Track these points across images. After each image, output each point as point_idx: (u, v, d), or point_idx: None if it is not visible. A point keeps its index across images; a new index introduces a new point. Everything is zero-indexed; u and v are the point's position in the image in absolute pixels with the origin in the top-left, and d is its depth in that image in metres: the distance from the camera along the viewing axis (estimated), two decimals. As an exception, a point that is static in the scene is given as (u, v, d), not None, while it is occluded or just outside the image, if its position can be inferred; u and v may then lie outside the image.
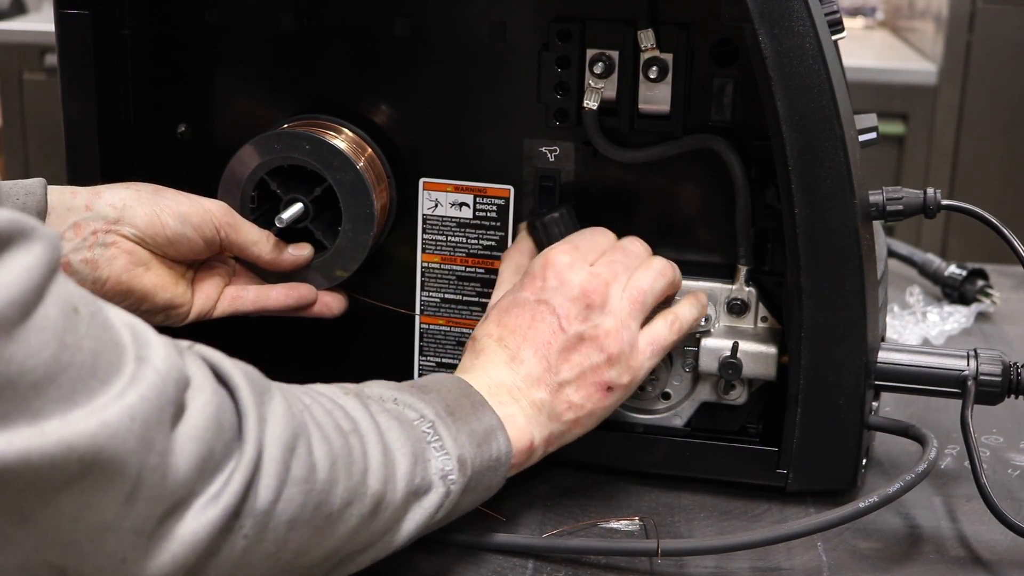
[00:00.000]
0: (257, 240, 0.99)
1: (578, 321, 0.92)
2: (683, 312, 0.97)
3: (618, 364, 0.93)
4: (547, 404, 0.91)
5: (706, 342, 1.01)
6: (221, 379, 0.69)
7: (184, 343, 0.69)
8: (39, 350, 0.56)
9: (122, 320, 0.63)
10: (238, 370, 0.70)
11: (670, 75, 0.99)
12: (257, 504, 0.67)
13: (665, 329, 0.96)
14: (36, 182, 0.92)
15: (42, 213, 0.91)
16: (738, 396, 1.03)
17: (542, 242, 1.01)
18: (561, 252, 0.95)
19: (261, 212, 1.02)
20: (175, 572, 0.64)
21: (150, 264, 0.95)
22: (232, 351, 0.72)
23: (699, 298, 0.99)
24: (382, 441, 0.77)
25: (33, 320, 0.56)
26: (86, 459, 0.58)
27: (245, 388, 0.69)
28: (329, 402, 0.77)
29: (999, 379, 0.98)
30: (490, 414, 0.86)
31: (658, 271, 0.96)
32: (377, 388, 0.84)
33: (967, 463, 0.98)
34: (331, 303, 1.04)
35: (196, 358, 0.68)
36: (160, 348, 0.64)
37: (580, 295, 0.93)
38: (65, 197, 0.94)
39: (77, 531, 0.60)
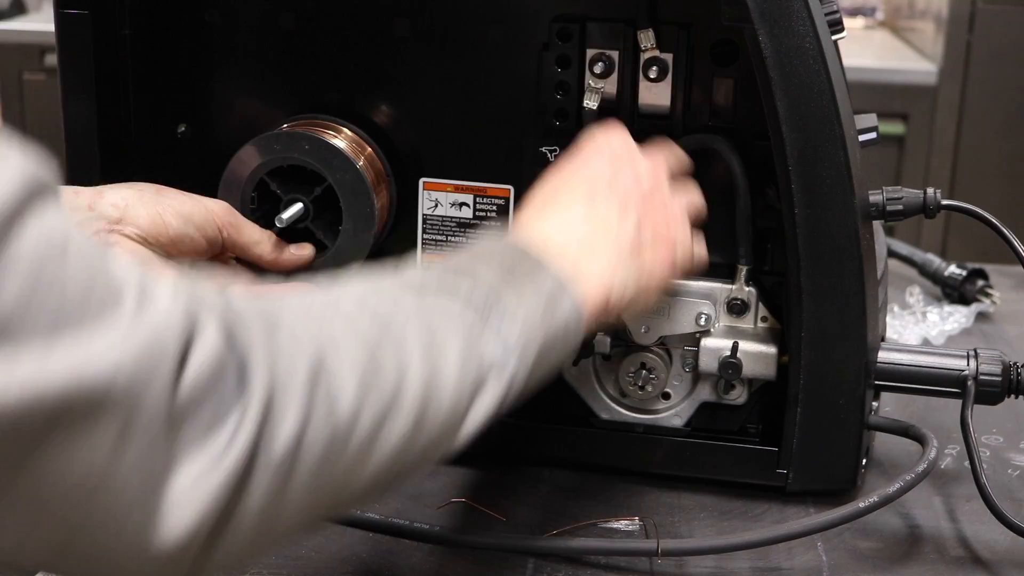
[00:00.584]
0: (259, 240, 0.99)
1: (653, 186, 0.88)
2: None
3: (683, 239, 0.88)
4: (625, 261, 0.82)
5: (706, 342, 1.01)
6: (231, 325, 0.61)
7: (206, 290, 0.62)
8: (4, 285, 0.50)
9: (125, 265, 0.57)
10: (249, 309, 0.62)
11: (670, 75, 0.99)
12: (272, 455, 0.59)
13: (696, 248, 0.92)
14: None
15: None
16: (738, 396, 1.03)
17: None
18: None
19: (261, 213, 1.02)
20: (190, 539, 0.57)
21: (152, 264, 0.95)
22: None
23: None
24: (421, 341, 0.67)
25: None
26: (67, 399, 0.52)
27: (255, 327, 0.61)
28: (354, 305, 0.68)
29: (999, 379, 0.98)
30: (547, 273, 0.76)
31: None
32: (416, 273, 0.76)
33: (967, 463, 0.98)
34: None
35: (212, 304, 0.61)
36: (166, 294, 0.57)
37: (654, 168, 0.89)
38: (68, 196, 0.93)
39: (68, 492, 0.54)
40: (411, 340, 0.67)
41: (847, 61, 0.98)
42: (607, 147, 0.90)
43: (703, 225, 1.02)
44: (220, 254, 1.00)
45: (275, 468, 0.60)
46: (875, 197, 1.00)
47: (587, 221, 0.83)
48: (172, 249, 0.96)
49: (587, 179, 0.86)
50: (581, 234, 0.82)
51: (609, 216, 0.83)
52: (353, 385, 0.63)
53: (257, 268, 1.03)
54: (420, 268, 0.75)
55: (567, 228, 0.82)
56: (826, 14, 0.94)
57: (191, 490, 0.57)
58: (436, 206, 1.06)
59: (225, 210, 0.98)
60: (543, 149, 1.03)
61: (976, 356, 1.00)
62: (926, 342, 1.35)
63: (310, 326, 0.64)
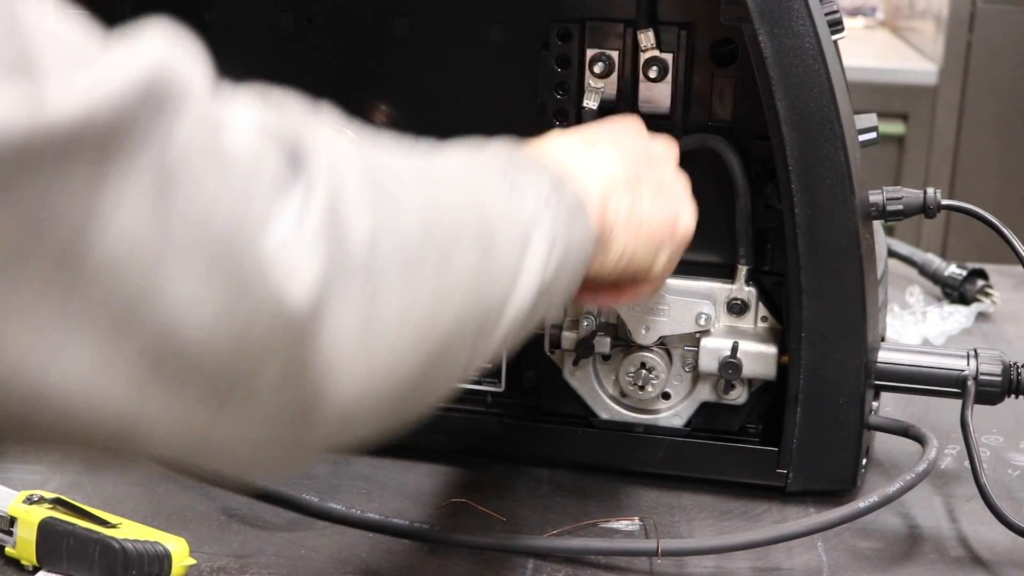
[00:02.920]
0: None
1: (662, 162, 0.87)
2: None
3: (687, 212, 0.87)
4: (622, 190, 0.80)
5: (706, 342, 1.01)
6: (279, 114, 0.58)
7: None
8: None
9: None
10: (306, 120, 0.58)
11: (670, 75, 0.99)
12: (349, 250, 0.53)
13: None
14: None
15: None
16: (738, 396, 1.03)
17: None
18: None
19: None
20: (310, 287, 0.51)
21: None
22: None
23: None
24: (470, 193, 0.66)
25: None
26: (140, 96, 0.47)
27: (317, 135, 0.57)
28: (400, 155, 0.66)
29: (999, 379, 0.98)
30: (570, 187, 0.74)
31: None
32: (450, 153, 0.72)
33: (967, 463, 0.98)
34: None
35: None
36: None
37: (665, 149, 0.90)
38: None
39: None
40: (460, 188, 0.66)
41: (847, 61, 0.98)
42: (622, 122, 0.90)
43: (703, 225, 1.03)
44: None
45: (358, 262, 0.54)
46: (875, 197, 1.00)
47: (586, 148, 0.81)
48: None
49: (596, 133, 0.86)
50: (580, 159, 0.79)
51: (610, 155, 0.82)
52: (415, 207, 0.59)
53: None
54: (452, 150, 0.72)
55: (565, 151, 0.80)
56: (826, 14, 0.94)
57: (291, 237, 0.51)
58: (436, 206, 1.06)
59: None
60: (543, 149, 1.03)
61: (976, 356, 1.00)
62: (926, 342, 1.35)
63: (362, 154, 0.60)
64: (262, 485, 0.99)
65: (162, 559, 0.86)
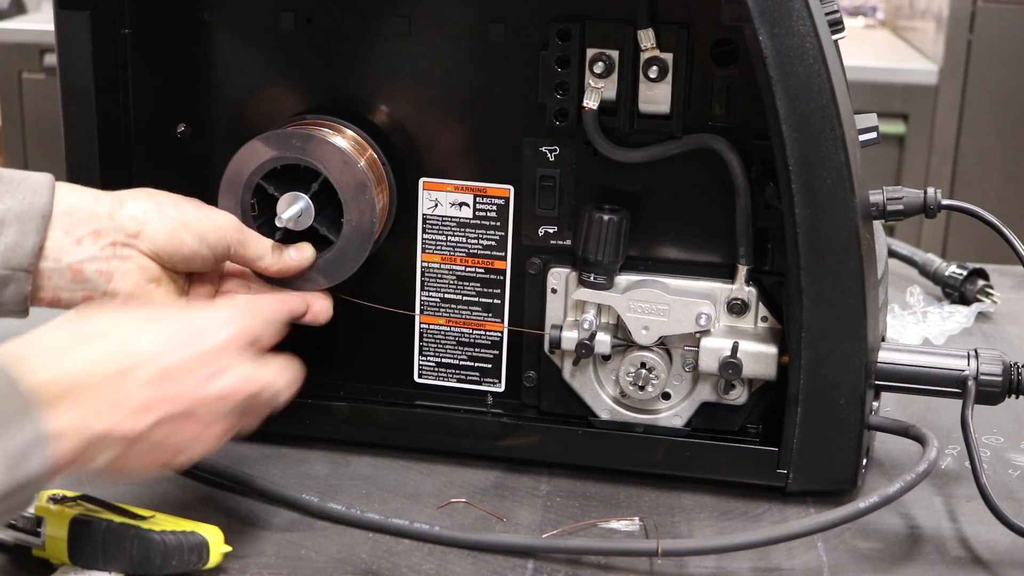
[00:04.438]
0: (262, 255, 0.99)
1: (214, 405, 0.81)
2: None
3: (194, 453, 0.81)
4: (115, 445, 0.77)
5: (706, 342, 1.01)
6: None
7: None
8: None
9: None
10: None
11: (670, 75, 0.99)
12: None
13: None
14: (44, 182, 0.91)
15: (46, 216, 0.91)
16: (738, 396, 1.03)
17: (581, 232, 1.00)
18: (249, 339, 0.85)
19: (264, 220, 1.02)
20: None
21: (161, 280, 0.95)
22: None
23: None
24: None
25: None
26: None
27: None
28: None
29: (999, 379, 0.98)
30: (32, 428, 0.72)
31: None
32: None
33: (967, 463, 0.98)
34: (319, 313, 1.03)
35: None
36: None
37: (232, 390, 0.81)
38: (88, 200, 0.93)
39: None
40: None
41: (847, 61, 0.98)
42: (214, 332, 0.82)
43: (703, 225, 1.03)
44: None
45: None
46: (875, 197, 1.00)
47: (114, 383, 0.76)
48: (182, 266, 0.95)
49: (159, 347, 0.79)
50: (98, 394, 0.76)
51: (134, 398, 0.77)
52: None
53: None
54: None
55: (93, 375, 0.76)
56: (826, 14, 0.94)
57: None
58: (436, 206, 1.06)
59: (235, 226, 0.97)
60: (543, 149, 1.03)
61: (976, 356, 1.00)
62: (926, 342, 1.35)
63: None
64: (262, 485, 1.00)
65: (200, 548, 0.87)
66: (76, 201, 0.92)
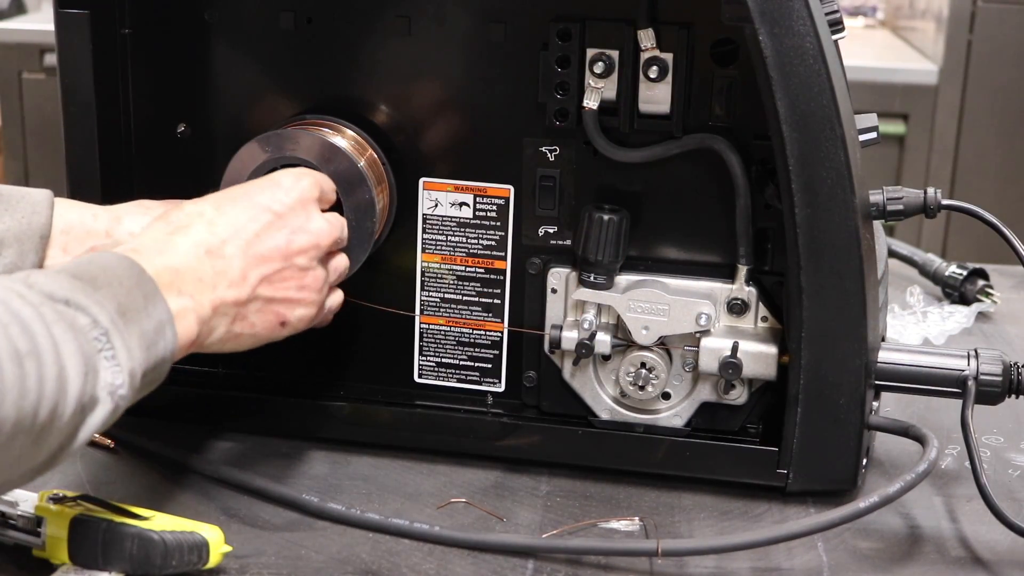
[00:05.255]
0: None
1: (303, 257, 0.91)
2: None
3: (304, 309, 0.93)
4: (228, 312, 0.88)
5: (706, 342, 1.01)
6: None
7: None
8: None
9: None
10: None
11: (670, 75, 0.99)
12: None
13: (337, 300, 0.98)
14: (43, 200, 0.91)
15: (45, 235, 0.90)
16: (738, 396, 1.03)
17: (581, 232, 1.00)
18: (316, 195, 0.95)
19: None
20: None
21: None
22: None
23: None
24: (58, 361, 0.72)
25: None
26: None
27: None
28: (5, 312, 0.72)
29: (999, 379, 0.98)
30: (162, 307, 0.81)
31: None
32: (50, 281, 0.77)
33: (967, 463, 0.98)
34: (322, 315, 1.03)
35: None
36: None
37: (315, 240, 0.92)
38: (86, 218, 0.93)
39: None
40: (48, 361, 0.71)
41: (847, 61, 0.98)
42: (285, 194, 0.92)
43: (703, 225, 1.03)
44: None
45: None
46: (875, 197, 1.00)
47: (212, 259, 0.86)
48: None
49: (241, 218, 0.89)
50: (200, 272, 0.85)
51: (232, 267, 0.87)
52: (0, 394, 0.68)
53: None
54: (50, 276, 0.77)
55: (191, 257, 0.85)
56: (826, 14, 0.94)
57: None
58: (436, 206, 1.06)
59: None
60: (543, 149, 1.03)
61: (976, 356, 1.00)
62: (926, 342, 1.35)
63: None
64: (262, 485, 1.00)
65: (200, 548, 0.87)
66: (74, 219, 0.92)
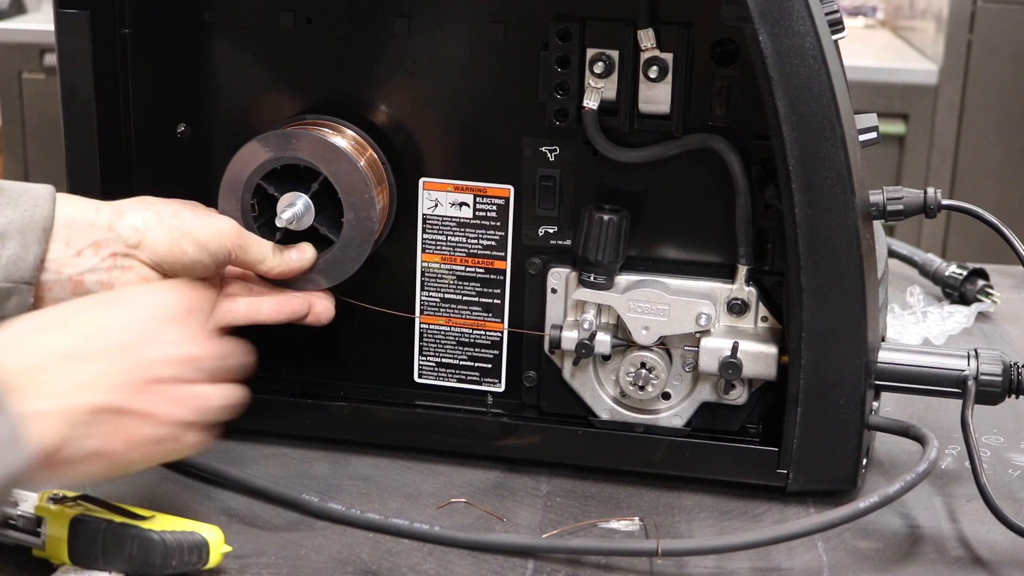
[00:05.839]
0: (264, 257, 0.99)
1: (174, 363, 0.83)
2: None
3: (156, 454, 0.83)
4: (95, 409, 0.78)
5: (706, 342, 1.01)
6: None
7: None
8: None
9: None
10: None
11: (670, 75, 0.99)
12: None
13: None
14: (45, 194, 0.91)
15: (48, 228, 0.91)
16: (738, 396, 1.03)
17: (581, 232, 1.00)
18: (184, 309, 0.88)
19: (264, 220, 1.02)
20: None
21: None
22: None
23: None
24: None
25: None
26: None
27: None
28: None
29: (999, 379, 0.98)
30: (9, 419, 0.73)
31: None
32: None
33: (967, 463, 0.98)
34: (321, 314, 1.03)
35: None
36: None
37: (185, 356, 0.84)
38: (88, 212, 0.93)
39: None
40: None
41: (847, 61, 0.98)
42: (171, 304, 0.87)
43: (703, 225, 1.03)
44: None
45: None
46: (875, 197, 1.00)
47: (87, 362, 0.79)
48: (183, 274, 0.95)
49: (121, 325, 0.83)
50: (69, 378, 0.77)
51: (104, 377, 0.79)
52: None
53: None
54: None
55: (62, 359, 0.78)
56: (826, 14, 0.94)
57: None
58: (436, 206, 1.06)
59: (235, 231, 0.97)
60: (543, 149, 1.03)
61: (976, 356, 1.00)
62: (926, 342, 1.35)
63: None
64: (262, 485, 1.00)
65: (200, 548, 0.87)
66: (76, 213, 0.92)
